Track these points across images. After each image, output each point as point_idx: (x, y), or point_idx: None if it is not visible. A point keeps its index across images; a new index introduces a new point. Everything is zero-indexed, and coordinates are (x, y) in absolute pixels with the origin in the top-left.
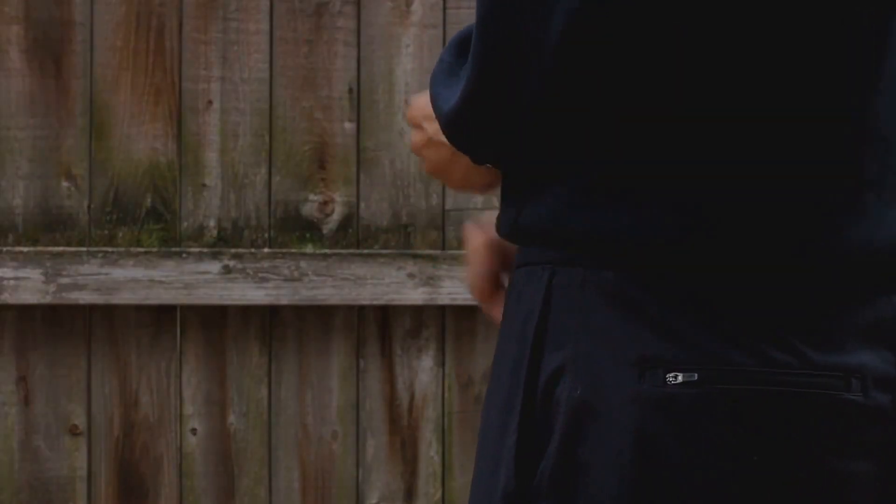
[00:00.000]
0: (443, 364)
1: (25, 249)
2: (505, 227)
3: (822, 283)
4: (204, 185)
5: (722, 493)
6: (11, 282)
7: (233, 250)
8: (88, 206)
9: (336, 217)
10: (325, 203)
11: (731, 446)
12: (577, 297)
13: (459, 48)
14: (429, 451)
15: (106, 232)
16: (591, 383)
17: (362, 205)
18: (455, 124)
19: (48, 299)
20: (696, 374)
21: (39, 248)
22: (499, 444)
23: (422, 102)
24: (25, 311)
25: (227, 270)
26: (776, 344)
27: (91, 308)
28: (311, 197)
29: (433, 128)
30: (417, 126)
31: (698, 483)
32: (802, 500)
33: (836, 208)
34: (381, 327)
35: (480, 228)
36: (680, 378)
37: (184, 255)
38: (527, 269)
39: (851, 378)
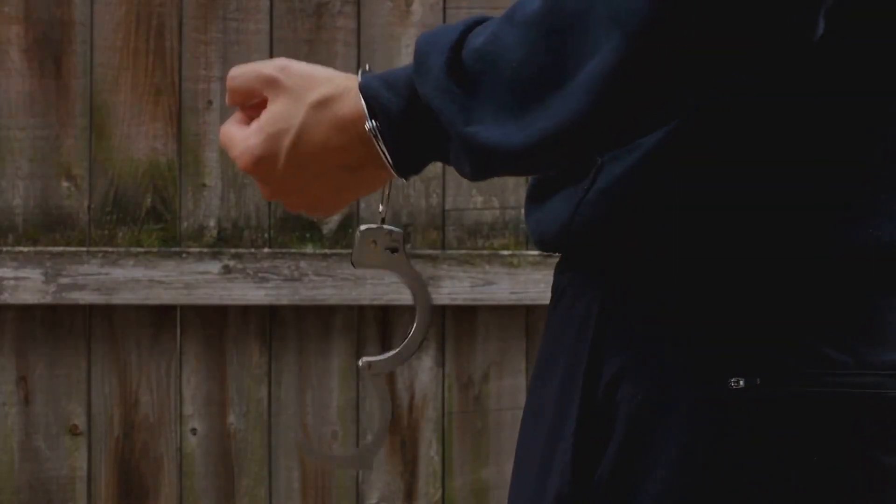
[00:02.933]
0: (443, 364)
1: (25, 249)
2: (551, 229)
3: (869, 281)
4: (204, 185)
5: (785, 496)
6: (11, 282)
7: (233, 250)
8: (88, 206)
9: (336, 217)
10: None
11: (793, 448)
12: (638, 301)
13: (452, 67)
14: (429, 451)
15: (106, 232)
16: (652, 388)
17: (362, 205)
18: (570, 143)
19: (48, 299)
20: (758, 378)
21: (39, 248)
22: (550, 447)
23: (264, 139)
24: (25, 311)
25: (227, 270)
26: (834, 344)
27: (91, 308)
28: None
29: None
30: (268, 157)
31: (762, 487)
32: (860, 498)
33: (882, 208)
34: (381, 327)
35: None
36: (742, 383)
37: (184, 255)
38: (581, 272)
39: None
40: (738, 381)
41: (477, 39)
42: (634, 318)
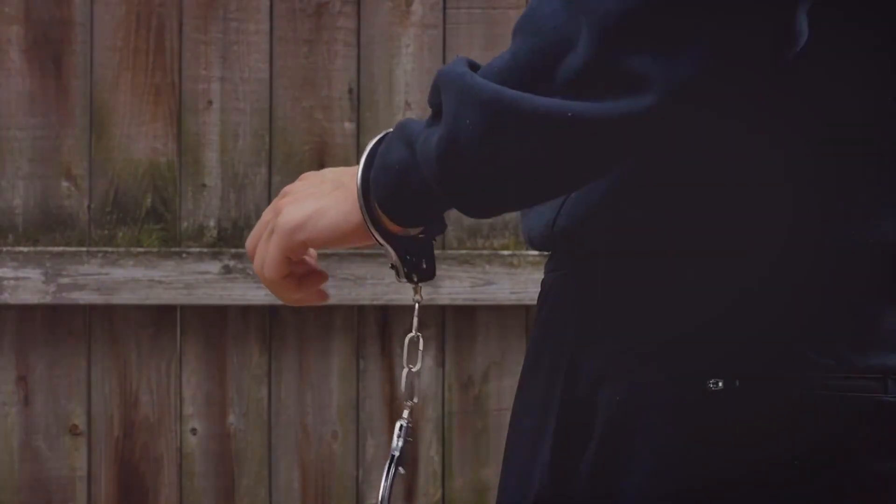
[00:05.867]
0: (443, 364)
1: (25, 249)
2: (538, 228)
3: (854, 283)
4: (204, 185)
5: (764, 499)
6: (11, 282)
7: (233, 250)
8: (88, 206)
9: None
10: None
11: (773, 452)
12: (618, 301)
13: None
14: (429, 451)
15: (106, 232)
16: (631, 389)
17: None
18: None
19: (48, 299)
20: (737, 381)
21: (39, 248)
22: (533, 448)
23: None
24: (25, 311)
25: (227, 270)
26: (817, 347)
27: (91, 308)
28: None
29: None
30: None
31: (741, 490)
32: (845, 502)
33: (867, 209)
34: (381, 327)
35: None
36: (721, 384)
37: (184, 255)
38: (565, 272)
39: (888, 380)
40: (716, 383)
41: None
42: (615, 319)
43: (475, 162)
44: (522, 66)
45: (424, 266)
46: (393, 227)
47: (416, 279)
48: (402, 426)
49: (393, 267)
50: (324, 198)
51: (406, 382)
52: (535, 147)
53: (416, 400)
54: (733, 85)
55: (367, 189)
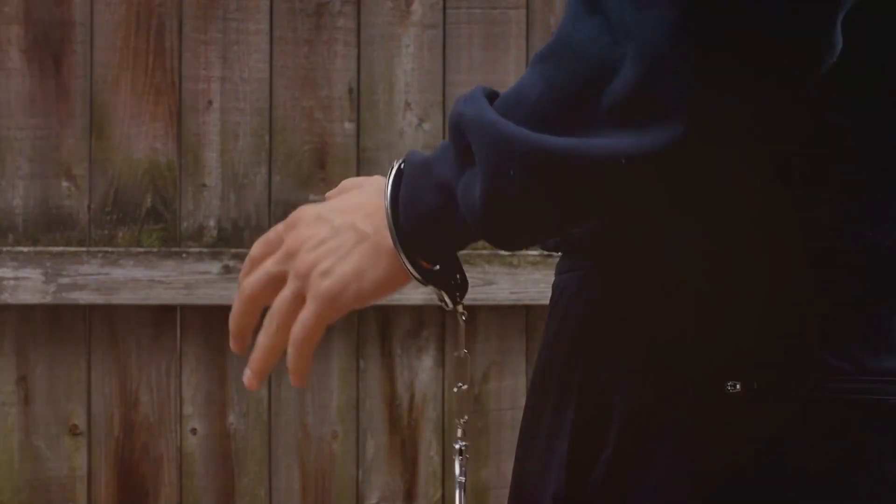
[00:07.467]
0: (443, 364)
1: (25, 249)
2: None
3: (869, 287)
4: (204, 185)
5: (779, 502)
6: (11, 282)
7: (233, 250)
8: (88, 206)
9: None
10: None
11: (789, 455)
12: (634, 303)
13: (489, 101)
14: (429, 451)
15: (106, 232)
16: (648, 391)
17: None
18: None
19: (48, 299)
20: (755, 383)
21: (39, 248)
22: (547, 449)
23: (310, 234)
24: (25, 311)
25: (227, 270)
26: (833, 350)
27: (91, 308)
28: (311, 197)
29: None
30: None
31: (756, 493)
32: None
33: (882, 213)
34: (381, 327)
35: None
36: (739, 387)
37: (184, 255)
38: (579, 274)
39: None
40: (734, 386)
41: (502, 96)
42: (631, 321)
43: (524, 212)
44: (563, 96)
45: (460, 279)
46: (427, 265)
47: (459, 297)
48: (459, 448)
49: (439, 299)
50: (350, 256)
51: (460, 401)
52: (587, 192)
53: (466, 418)
54: (774, 102)
55: (404, 244)
